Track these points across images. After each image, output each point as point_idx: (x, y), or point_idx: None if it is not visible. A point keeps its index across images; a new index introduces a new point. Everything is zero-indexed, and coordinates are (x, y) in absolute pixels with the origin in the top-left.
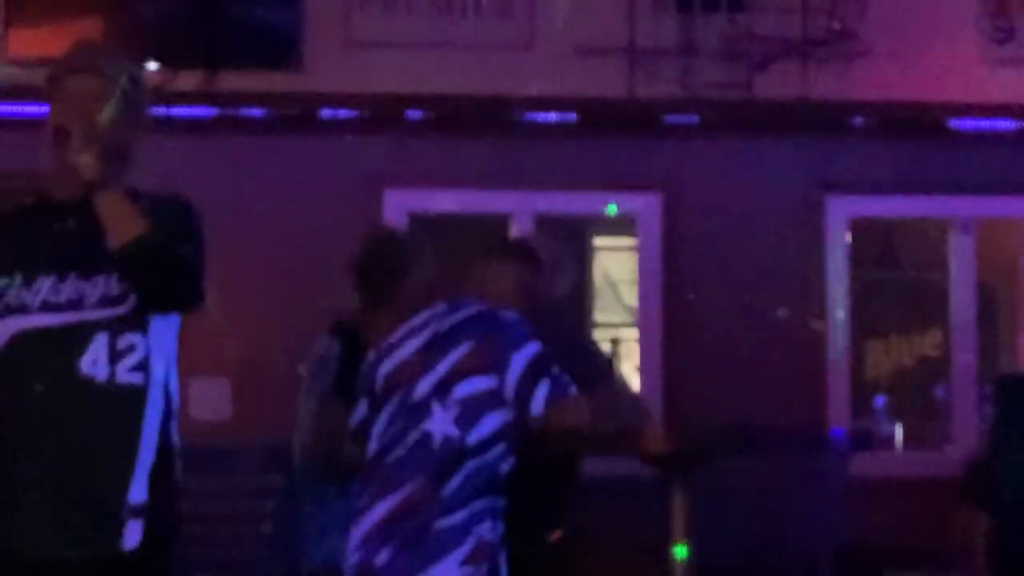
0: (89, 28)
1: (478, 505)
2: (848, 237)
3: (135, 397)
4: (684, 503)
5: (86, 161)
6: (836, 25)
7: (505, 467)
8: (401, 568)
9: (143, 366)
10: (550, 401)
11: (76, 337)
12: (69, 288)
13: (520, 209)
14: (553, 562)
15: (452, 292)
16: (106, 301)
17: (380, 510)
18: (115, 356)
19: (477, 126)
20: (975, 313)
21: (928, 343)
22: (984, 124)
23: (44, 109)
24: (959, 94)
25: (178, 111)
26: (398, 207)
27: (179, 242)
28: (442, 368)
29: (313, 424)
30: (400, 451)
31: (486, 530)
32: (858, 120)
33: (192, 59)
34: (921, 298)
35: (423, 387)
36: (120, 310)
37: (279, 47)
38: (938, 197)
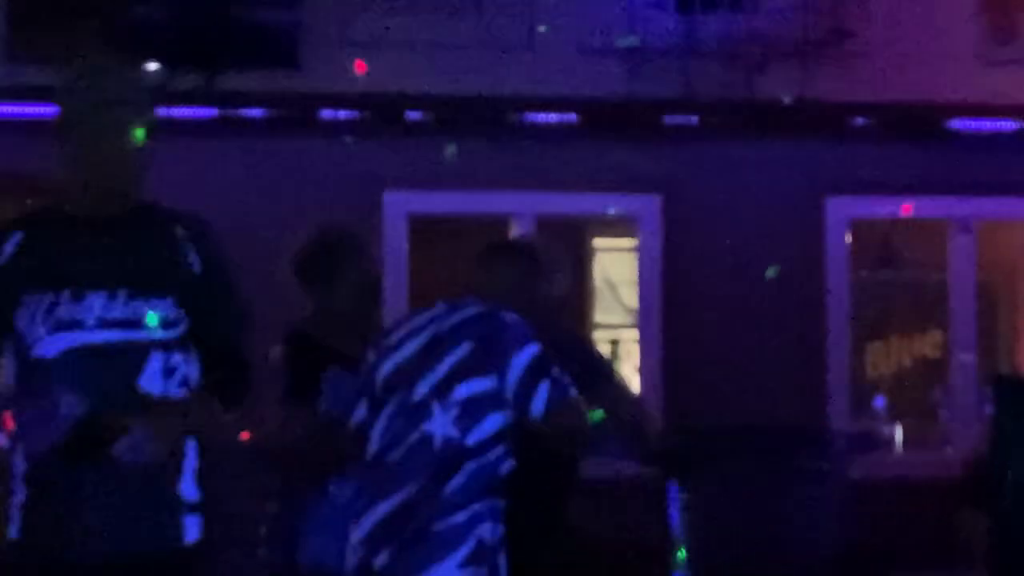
0: (89, 28)
1: (478, 506)
2: (848, 237)
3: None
4: (684, 503)
5: (123, 202)
6: (836, 25)
7: (505, 468)
8: (401, 569)
9: (186, 381)
10: (550, 402)
11: (135, 355)
12: (124, 306)
13: (520, 210)
14: (553, 563)
15: (431, 290)
16: (164, 323)
17: (380, 511)
18: (167, 373)
19: (477, 127)
20: (975, 313)
21: (928, 344)
22: (984, 125)
23: (43, 110)
24: (959, 95)
25: (178, 111)
26: (398, 208)
27: (228, 295)
28: (442, 369)
29: (274, 430)
30: (400, 451)
31: (486, 531)
32: (858, 121)
33: (192, 59)
34: (921, 299)
35: (423, 388)
36: (174, 333)
37: (279, 48)
38: (938, 197)
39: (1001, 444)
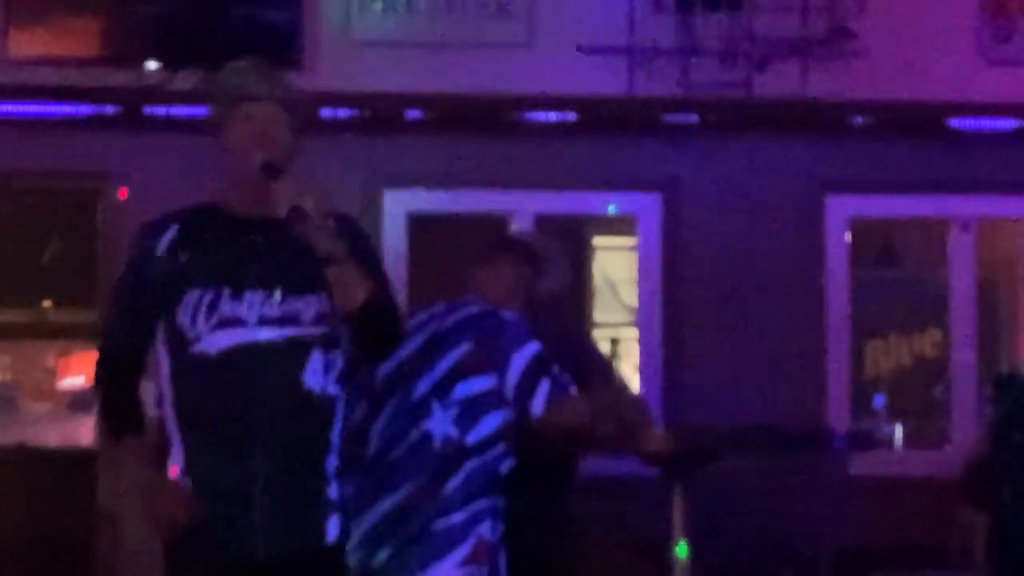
0: (89, 28)
1: (478, 505)
2: (848, 236)
3: (335, 405)
4: (684, 503)
5: (283, 204)
6: (835, 24)
7: (505, 467)
8: (401, 567)
9: (342, 378)
10: (550, 401)
11: (298, 352)
12: (282, 304)
13: (519, 209)
14: (553, 562)
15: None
16: (320, 319)
17: (380, 510)
18: (327, 370)
19: (477, 126)
20: (975, 312)
21: (928, 343)
22: (984, 123)
23: (45, 108)
24: (959, 93)
25: (178, 111)
26: (398, 207)
27: (383, 284)
28: (442, 368)
29: None
30: (400, 450)
31: (486, 530)
32: (858, 119)
33: (192, 59)
34: (921, 298)
35: (423, 386)
36: (330, 328)
37: (279, 46)
38: (938, 196)
39: (1001, 443)
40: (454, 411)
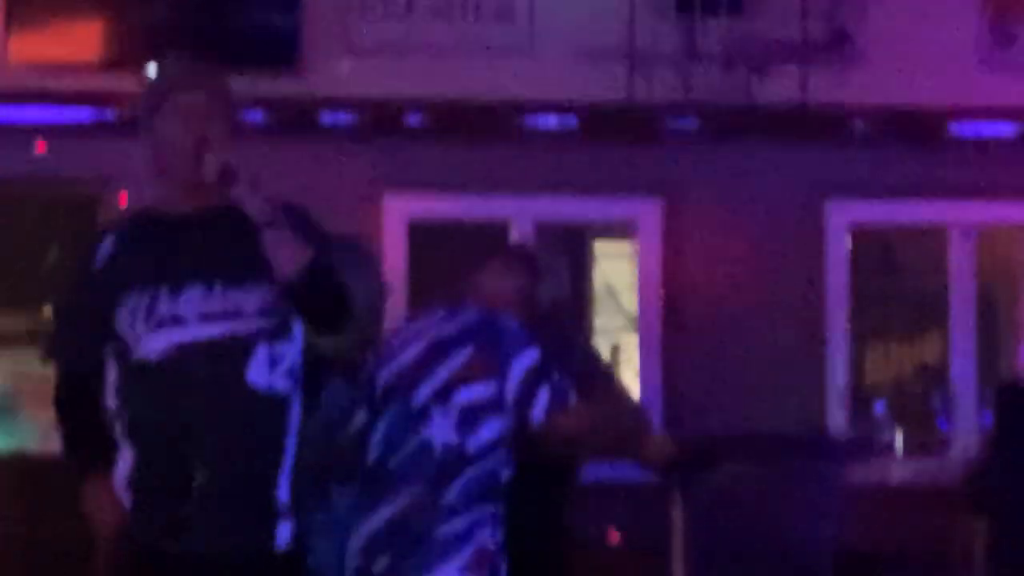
0: (90, 33)
1: (479, 512)
2: (848, 242)
3: (286, 402)
4: (684, 509)
5: (216, 197)
6: (836, 30)
7: (505, 474)
8: (401, 575)
9: (292, 372)
10: (551, 407)
11: (240, 347)
12: (221, 298)
13: (520, 214)
14: (553, 567)
15: (441, 297)
16: (263, 311)
17: (380, 517)
18: (273, 364)
19: (477, 131)
20: (975, 319)
21: (928, 349)
22: (984, 129)
23: (46, 113)
24: (958, 99)
25: None
26: (398, 212)
27: (334, 261)
28: (442, 375)
29: None
30: (400, 457)
31: (486, 537)
32: (858, 125)
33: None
34: (921, 304)
35: (423, 393)
36: (275, 320)
37: (279, 51)
38: (938, 202)
39: (1001, 449)
40: (454, 418)
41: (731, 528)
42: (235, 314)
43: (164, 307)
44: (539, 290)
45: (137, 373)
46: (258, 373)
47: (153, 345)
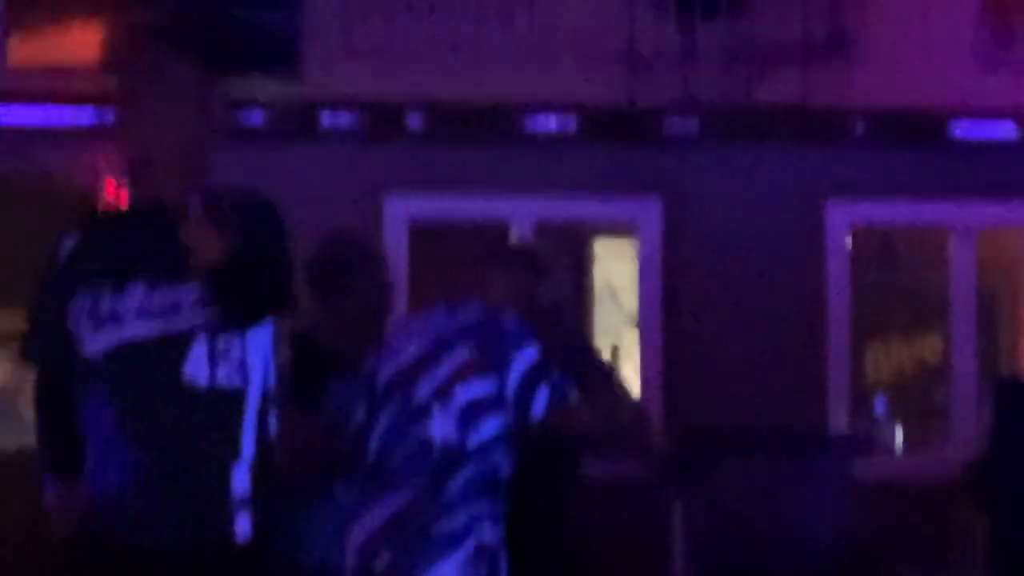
0: (90, 34)
1: (479, 508)
2: (848, 242)
3: (235, 398)
4: (684, 505)
5: (170, 186)
6: (836, 31)
7: (505, 470)
8: (400, 572)
9: (241, 367)
10: (550, 405)
11: (177, 344)
12: (162, 295)
13: (520, 215)
14: (554, 563)
15: (429, 296)
16: (201, 306)
17: (380, 514)
18: (215, 359)
19: (477, 133)
20: (975, 318)
21: (928, 347)
22: (984, 130)
23: (46, 114)
24: (959, 100)
25: None
26: (398, 213)
27: (263, 250)
28: (442, 372)
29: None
30: (400, 454)
31: (486, 533)
32: (858, 126)
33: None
34: (921, 303)
35: (423, 390)
36: (215, 314)
37: (279, 53)
38: (938, 203)
39: (1001, 446)
40: (455, 415)
41: (731, 523)
42: (173, 310)
43: (106, 305)
44: (541, 289)
45: (84, 372)
46: (196, 368)
47: (95, 344)
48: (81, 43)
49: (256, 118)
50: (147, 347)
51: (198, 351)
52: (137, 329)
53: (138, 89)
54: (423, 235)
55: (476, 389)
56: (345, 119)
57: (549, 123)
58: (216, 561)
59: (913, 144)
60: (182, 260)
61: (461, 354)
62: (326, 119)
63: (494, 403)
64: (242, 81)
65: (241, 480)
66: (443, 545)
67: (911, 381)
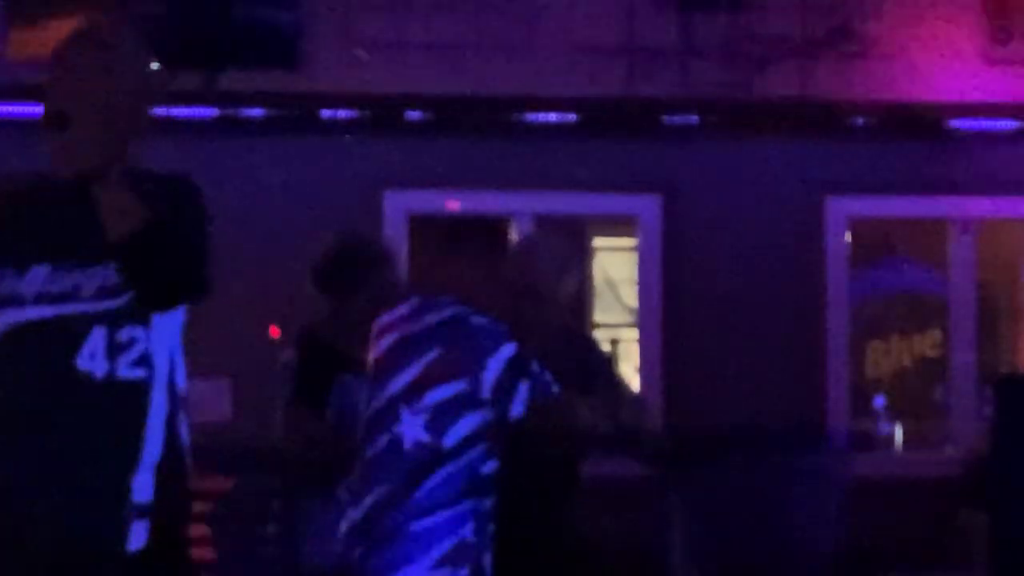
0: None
1: (460, 507)
2: (848, 237)
3: (137, 393)
4: (683, 504)
5: (88, 152)
6: (836, 25)
7: (487, 468)
8: (372, 567)
9: (145, 360)
10: (531, 401)
11: (72, 330)
12: (65, 279)
13: (520, 210)
14: (551, 564)
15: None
16: (103, 292)
17: (363, 505)
18: (114, 350)
19: (477, 127)
20: (975, 314)
21: (928, 344)
22: (984, 124)
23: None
24: (959, 94)
25: (178, 111)
26: (398, 208)
27: (182, 229)
28: (411, 373)
29: (282, 432)
30: (374, 451)
31: (469, 532)
32: (858, 120)
33: (192, 59)
34: (921, 298)
35: (392, 389)
36: (119, 302)
37: (279, 47)
38: (938, 197)
39: (1001, 444)
40: (424, 417)
41: (730, 522)
42: (71, 295)
43: (7, 286)
44: (564, 280)
45: None
46: (91, 359)
47: None
48: None
49: (257, 112)
50: (40, 333)
51: (96, 340)
52: (34, 312)
53: (68, 47)
54: (423, 229)
55: (446, 391)
56: (345, 113)
57: (549, 118)
58: (98, 572)
59: (913, 139)
60: (93, 240)
61: (430, 356)
62: (326, 113)
63: (468, 402)
64: (242, 75)
65: (142, 484)
66: (418, 543)
67: (911, 377)
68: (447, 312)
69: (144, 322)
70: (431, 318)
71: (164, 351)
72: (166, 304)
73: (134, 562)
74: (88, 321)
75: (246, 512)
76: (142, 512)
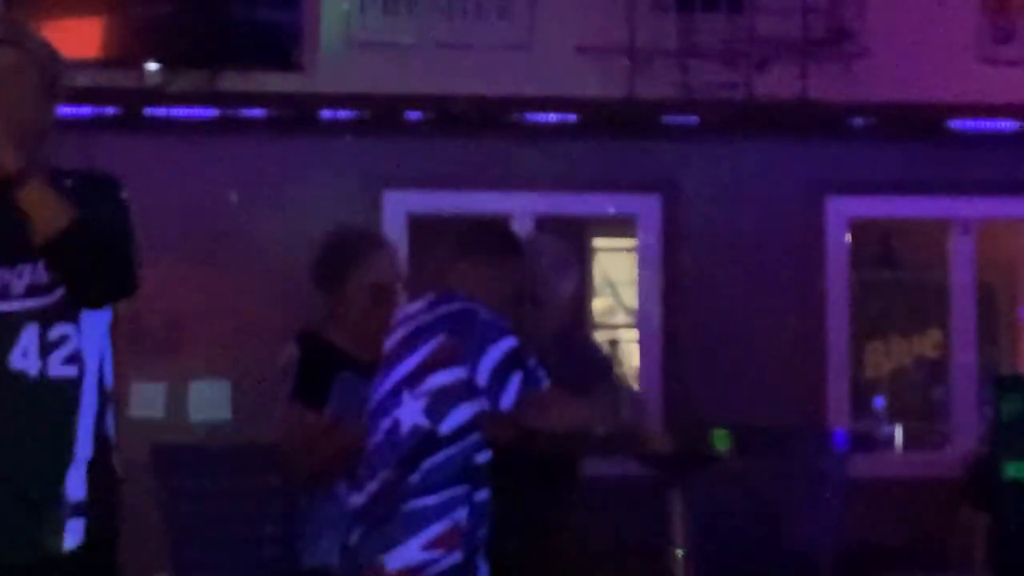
0: (90, 29)
1: (454, 491)
2: (848, 237)
3: (68, 391)
4: (683, 504)
5: (6, 153)
6: (836, 25)
7: (481, 457)
8: (368, 547)
9: (76, 358)
10: (521, 394)
11: (4, 330)
12: None
13: (520, 210)
14: (551, 562)
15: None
16: (33, 291)
17: (366, 491)
18: (46, 348)
19: (476, 127)
20: (975, 314)
21: (928, 344)
22: (984, 124)
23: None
24: (959, 94)
25: (178, 111)
26: (398, 208)
27: (107, 227)
28: (415, 359)
29: (282, 431)
30: (377, 437)
31: (462, 516)
32: (858, 120)
33: (192, 59)
34: (921, 299)
35: (396, 375)
36: (49, 300)
37: (279, 48)
38: (938, 197)
39: (1001, 444)
40: (424, 401)
41: (731, 522)
42: (2, 294)
43: None
44: (516, 271)
45: None
46: (24, 358)
47: None
48: (80, 39)
49: (257, 112)
50: None
51: (28, 338)
52: None
53: None
54: (422, 230)
55: (446, 377)
56: (345, 113)
57: (549, 118)
58: (36, 572)
59: (913, 139)
60: (17, 239)
61: (433, 343)
62: (326, 113)
63: (464, 390)
64: (242, 76)
65: (75, 483)
66: (411, 523)
67: (911, 377)
68: (456, 305)
69: (74, 320)
70: (441, 310)
71: (94, 348)
72: (97, 301)
73: (71, 561)
74: (19, 320)
75: (246, 512)
76: (77, 511)
